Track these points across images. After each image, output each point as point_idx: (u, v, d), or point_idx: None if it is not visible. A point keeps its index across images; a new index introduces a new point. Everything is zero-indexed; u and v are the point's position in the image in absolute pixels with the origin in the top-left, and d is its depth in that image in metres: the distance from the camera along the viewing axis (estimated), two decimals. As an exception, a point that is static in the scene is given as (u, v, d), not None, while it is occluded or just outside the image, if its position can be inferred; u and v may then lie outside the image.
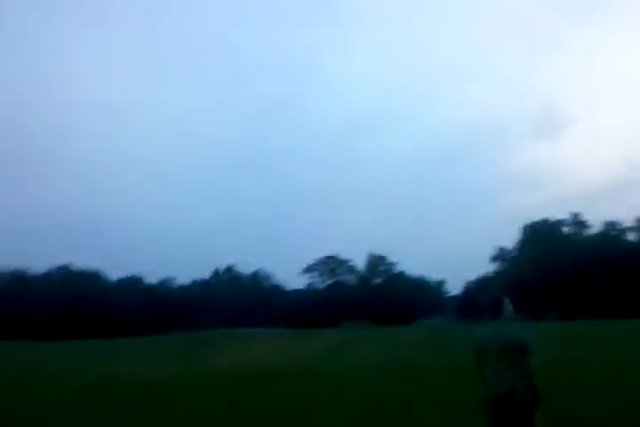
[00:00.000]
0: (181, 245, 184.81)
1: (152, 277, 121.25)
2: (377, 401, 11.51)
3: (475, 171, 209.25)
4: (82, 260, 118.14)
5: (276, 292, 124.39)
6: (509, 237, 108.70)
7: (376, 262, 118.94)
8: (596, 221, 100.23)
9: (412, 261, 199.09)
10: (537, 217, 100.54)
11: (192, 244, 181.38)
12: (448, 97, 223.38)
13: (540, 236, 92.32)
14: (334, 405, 11.28)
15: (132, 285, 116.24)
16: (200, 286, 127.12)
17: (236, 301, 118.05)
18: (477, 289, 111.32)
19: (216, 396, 13.65)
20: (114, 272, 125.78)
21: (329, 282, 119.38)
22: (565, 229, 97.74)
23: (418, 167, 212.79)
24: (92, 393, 14.84)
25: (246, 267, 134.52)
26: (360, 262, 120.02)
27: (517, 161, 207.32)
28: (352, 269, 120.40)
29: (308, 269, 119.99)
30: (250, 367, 21.84)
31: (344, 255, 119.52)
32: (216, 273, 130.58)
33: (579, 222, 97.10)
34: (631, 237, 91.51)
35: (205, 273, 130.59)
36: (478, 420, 5.72)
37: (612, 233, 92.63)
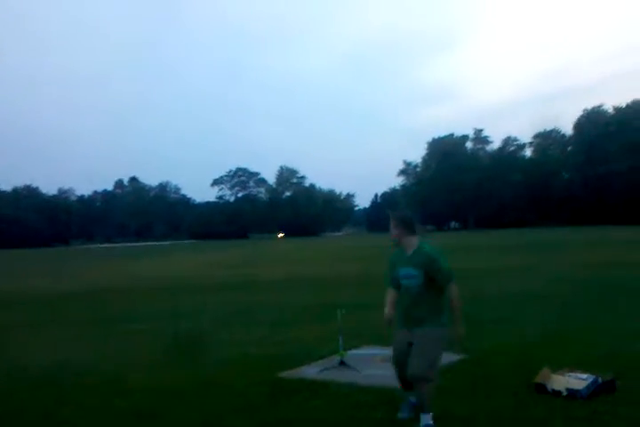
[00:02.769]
0: (80, 155, 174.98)
1: (49, 188, 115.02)
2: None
3: (384, 85, 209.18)
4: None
5: (184, 204, 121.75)
6: (416, 152, 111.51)
7: (286, 175, 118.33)
8: (498, 136, 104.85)
9: (323, 175, 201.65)
10: (443, 132, 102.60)
11: (92, 154, 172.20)
12: (352, 12, 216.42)
13: (445, 151, 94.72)
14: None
15: (28, 195, 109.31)
16: (102, 198, 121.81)
17: (140, 213, 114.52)
18: (385, 202, 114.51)
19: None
20: (6, 182, 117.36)
21: (239, 195, 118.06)
22: (469, 145, 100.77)
23: (326, 82, 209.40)
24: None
25: (152, 179, 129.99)
26: (271, 175, 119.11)
27: (425, 75, 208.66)
28: (262, 182, 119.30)
29: (218, 182, 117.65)
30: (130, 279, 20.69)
31: (254, 168, 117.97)
32: (119, 184, 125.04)
33: (481, 138, 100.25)
34: (528, 152, 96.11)
35: (107, 184, 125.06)
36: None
37: (510, 149, 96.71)
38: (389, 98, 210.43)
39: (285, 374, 5.76)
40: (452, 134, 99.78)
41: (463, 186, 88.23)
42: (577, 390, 4.40)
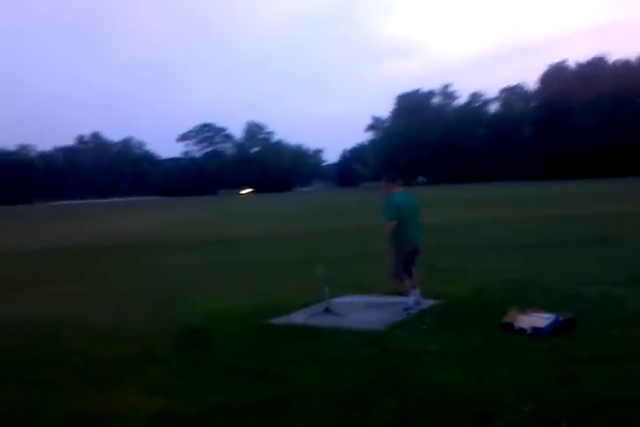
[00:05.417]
0: (38, 109, 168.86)
1: (7, 144, 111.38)
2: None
3: (347, 40, 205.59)
4: None
5: (149, 160, 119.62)
6: (384, 107, 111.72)
7: (254, 131, 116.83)
8: (465, 91, 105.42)
9: (291, 131, 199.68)
10: (411, 86, 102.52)
11: (50, 108, 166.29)
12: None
13: (412, 106, 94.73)
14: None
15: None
16: (64, 154, 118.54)
17: (104, 169, 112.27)
18: (353, 158, 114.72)
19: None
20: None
21: (206, 150, 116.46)
22: (436, 100, 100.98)
23: (292, 36, 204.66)
24: None
25: (114, 134, 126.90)
26: (238, 131, 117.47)
27: (392, 30, 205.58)
28: (229, 138, 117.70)
29: (184, 137, 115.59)
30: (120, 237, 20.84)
31: (221, 123, 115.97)
32: (81, 140, 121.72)
33: (448, 94, 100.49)
34: (494, 107, 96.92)
35: (68, 140, 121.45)
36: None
37: (476, 104, 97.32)
38: (354, 53, 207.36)
39: (274, 321, 6.22)
40: (418, 89, 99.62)
41: (429, 141, 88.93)
42: (540, 328, 4.97)
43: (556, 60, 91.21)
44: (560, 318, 5.06)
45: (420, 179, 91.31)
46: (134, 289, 9.15)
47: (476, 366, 4.39)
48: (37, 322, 6.79)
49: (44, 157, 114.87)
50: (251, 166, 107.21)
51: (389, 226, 6.39)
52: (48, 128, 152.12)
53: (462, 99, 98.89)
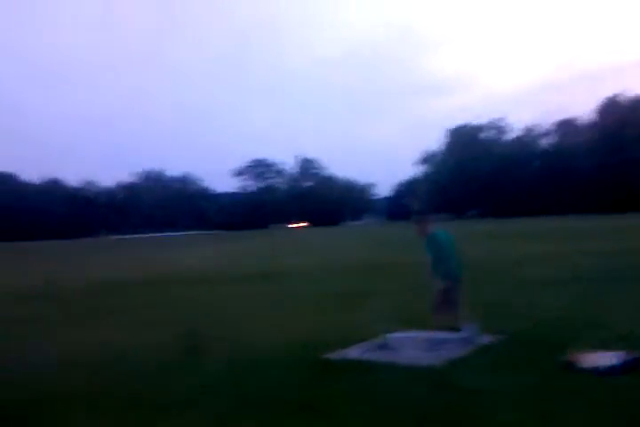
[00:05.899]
0: (102, 147, 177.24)
1: (73, 180, 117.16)
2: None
3: (399, 74, 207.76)
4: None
5: (206, 195, 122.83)
6: (436, 140, 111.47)
7: (306, 166, 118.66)
8: (518, 124, 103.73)
9: (342, 165, 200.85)
10: (462, 120, 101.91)
11: (113, 146, 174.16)
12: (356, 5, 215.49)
13: (464, 140, 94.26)
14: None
15: (53, 187, 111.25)
16: (125, 190, 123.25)
17: (164, 204, 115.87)
18: (406, 191, 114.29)
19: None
20: (30, 175, 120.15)
21: (260, 185, 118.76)
22: (488, 134, 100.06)
23: (342, 72, 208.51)
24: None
25: (173, 170, 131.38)
26: (288, 162, 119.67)
27: (442, 63, 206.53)
28: (281, 173, 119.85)
29: (238, 173, 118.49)
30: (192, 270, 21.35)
31: (273, 159, 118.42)
32: (142, 176, 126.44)
33: (500, 127, 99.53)
34: (548, 140, 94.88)
35: (129, 176, 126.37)
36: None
37: (529, 138, 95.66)
38: (404, 86, 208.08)
39: (331, 355, 6.23)
40: (470, 123, 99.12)
41: (482, 174, 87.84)
42: (606, 367, 4.79)
43: (612, 90, 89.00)
44: (628, 357, 4.88)
45: (471, 212, 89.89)
46: (190, 320, 9.35)
47: (537, 405, 4.27)
48: (95, 356, 7.06)
49: (107, 192, 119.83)
50: (302, 201, 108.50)
51: (441, 262, 6.81)
52: (109, 164, 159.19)
53: (515, 132, 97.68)
